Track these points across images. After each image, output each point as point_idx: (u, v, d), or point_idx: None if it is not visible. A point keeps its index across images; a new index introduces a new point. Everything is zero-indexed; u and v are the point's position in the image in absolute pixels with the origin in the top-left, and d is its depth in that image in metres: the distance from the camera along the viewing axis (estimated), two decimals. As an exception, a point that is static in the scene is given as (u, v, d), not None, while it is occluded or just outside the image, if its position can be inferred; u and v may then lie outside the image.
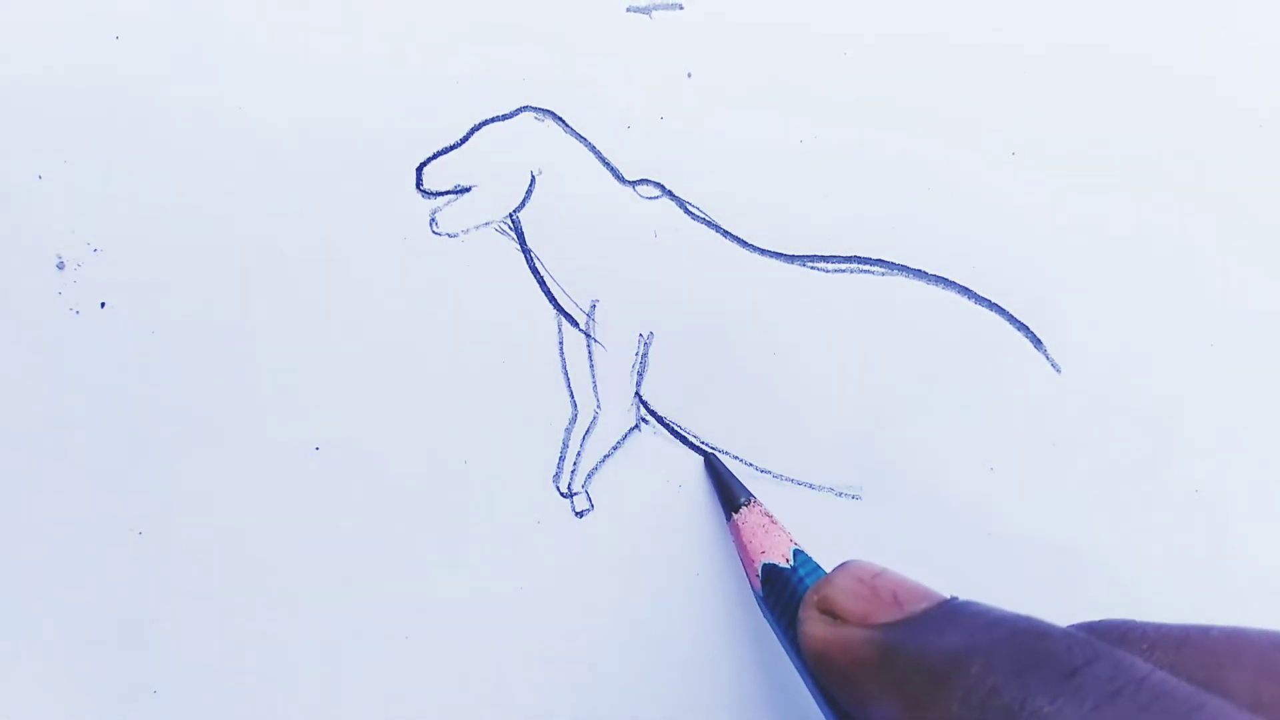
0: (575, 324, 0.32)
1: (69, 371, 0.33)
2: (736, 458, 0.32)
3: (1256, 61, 0.32)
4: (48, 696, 0.32)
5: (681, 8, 0.33)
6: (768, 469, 0.32)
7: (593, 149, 0.33)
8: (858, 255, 0.32)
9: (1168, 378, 0.32)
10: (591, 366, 0.32)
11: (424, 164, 0.33)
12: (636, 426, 0.32)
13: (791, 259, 0.32)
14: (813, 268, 0.32)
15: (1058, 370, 0.32)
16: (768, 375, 0.32)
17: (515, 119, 0.33)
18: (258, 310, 0.32)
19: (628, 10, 0.33)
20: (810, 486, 0.32)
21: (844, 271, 0.32)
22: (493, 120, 0.33)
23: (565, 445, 0.32)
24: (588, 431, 0.32)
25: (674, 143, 0.32)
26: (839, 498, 0.31)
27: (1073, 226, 0.32)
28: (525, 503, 0.32)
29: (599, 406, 0.32)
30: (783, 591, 0.27)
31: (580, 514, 0.32)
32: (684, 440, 0.32)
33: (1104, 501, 0.31)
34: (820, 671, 0.22)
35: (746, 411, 0.32)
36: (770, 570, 0.28)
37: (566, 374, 0.32)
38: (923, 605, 0.21)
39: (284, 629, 0.32)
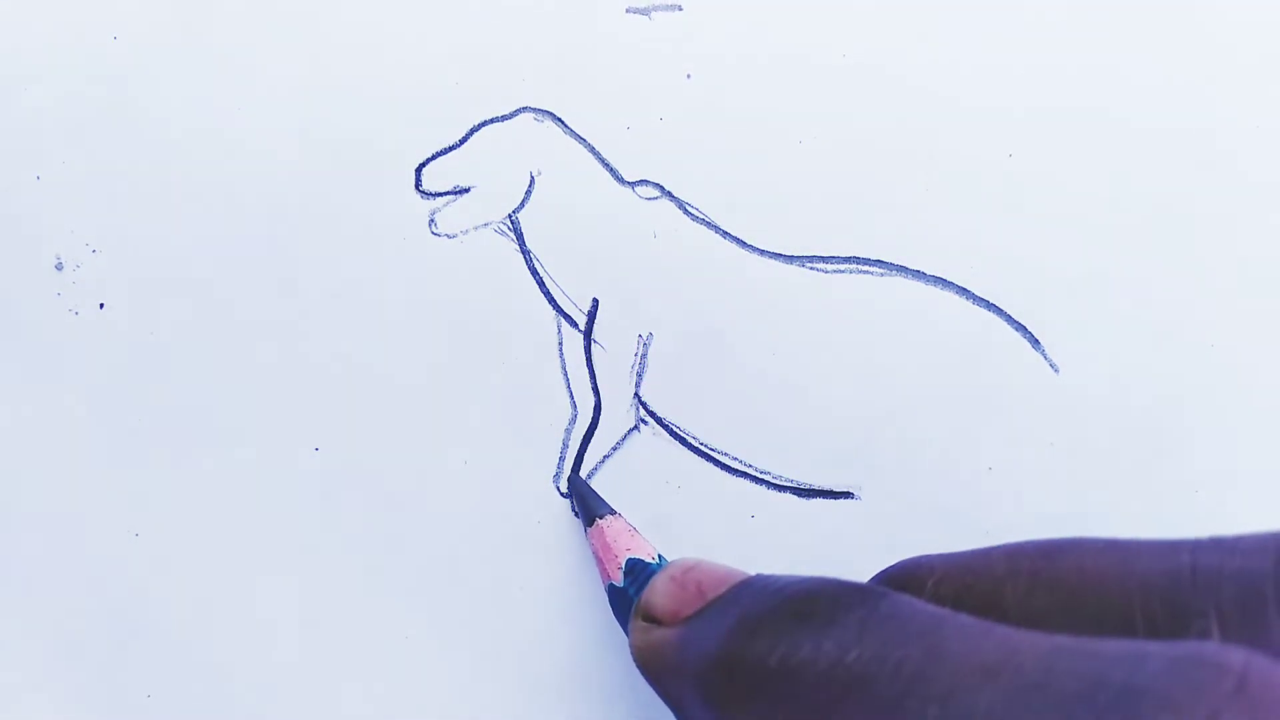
0: (575, 324, 0.32)
1: (67, 372, 0.32)
2: (735, 458, 0.32)
3: (1255, 62, 0.32)
4: (43, 699, 0.32)
5: (681, 9, 0.33)
6: (766, 469, 0.32)
7: (592, 149, 0.33)
8: (857, 255, 0.32)
9: (1168, 378, 0.32)
10: (591, 367, 0.32)
11: (423, 164, 0.33)
12: (636, 427, 0.32)
13: (791, 259, 0.32)
14: (812, 268, 0.32)
15: (1056, 370, 0.32)
16: (767, 375, 0.32)
17: (515, 119, 0.33)
18: (257, 311, 0.32)
19: (627, 11, 0.33)
20: (809, 487, 0.31)
21: (843, 271, 0.32)
22: (492, 121, 0.33)
23: (565, 445, 0.32)
24: (587, 432, 0.32)
25: (674, 143, 0.32)
26: (838, 498, 0.31)
27: (1071, 227, 0.32)
28: (525, 503, 0.32)
29: (599, 407, 0.32)
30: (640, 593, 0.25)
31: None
32: (683, 441, 0.32)
33: (1103, 502, 0.31)
34: (648, 681, 0.21)
35: (745, 412, 0.32)
36: (635, 565, 0.26)
37: (566, 374, 0.32)
38: (721, 590, 0.21)
39: (282, 630, 0.31)
